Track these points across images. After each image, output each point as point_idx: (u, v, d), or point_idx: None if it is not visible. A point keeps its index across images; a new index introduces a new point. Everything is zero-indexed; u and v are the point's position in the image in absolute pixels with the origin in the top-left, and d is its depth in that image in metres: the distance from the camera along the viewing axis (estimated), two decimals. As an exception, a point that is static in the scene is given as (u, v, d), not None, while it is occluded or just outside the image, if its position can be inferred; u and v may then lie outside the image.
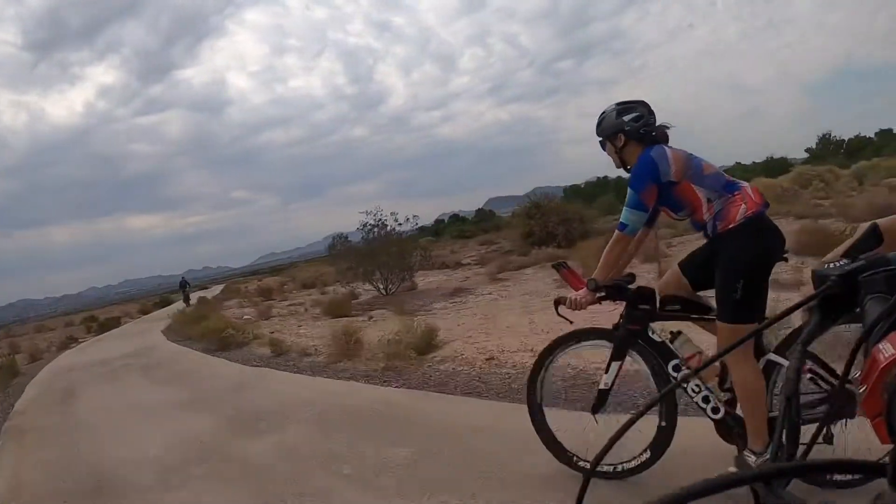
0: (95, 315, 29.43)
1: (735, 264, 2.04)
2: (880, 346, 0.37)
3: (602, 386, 2.35)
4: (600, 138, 2.35)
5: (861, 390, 0.37)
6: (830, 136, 34.95)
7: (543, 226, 14.91)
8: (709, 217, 2.12)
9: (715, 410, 2.16)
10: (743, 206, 2.05)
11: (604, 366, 2.36)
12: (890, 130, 34.82)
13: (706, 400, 2.16)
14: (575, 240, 13.57)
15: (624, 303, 2.29)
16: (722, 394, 2.19)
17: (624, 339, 2.29)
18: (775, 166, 27.16)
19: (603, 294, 2.30)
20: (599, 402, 2.36)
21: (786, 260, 2.19)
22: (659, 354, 2.24)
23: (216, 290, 35.92)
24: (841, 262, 0.52)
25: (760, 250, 2.05)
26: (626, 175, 2.28)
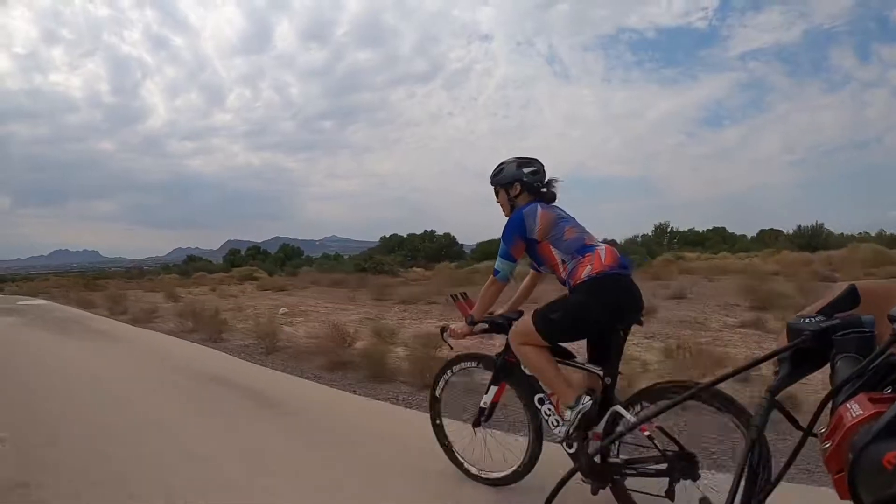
0: None
1: (567, 302, 2.24)
2: (848, 405, 0.39)
3: (482, 404, 2.58)
4: (496, 186, 2.51)
5: (825, 446, 0.39)
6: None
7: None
8: (565, 275, 2.29)
9: (569, 444, 2.24)
10: (589, 266, 2.20)
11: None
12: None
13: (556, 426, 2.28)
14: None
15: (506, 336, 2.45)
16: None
17: (500, 368, 2.47)
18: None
19: (486, 327, 2.51)
20: (478, 418, 2.59)
21: (640, 323, 2.26)
22: (528, 386, 2.41)
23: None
24: (816, 318, 0.54)
25: (594, 306, 2.17)
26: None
